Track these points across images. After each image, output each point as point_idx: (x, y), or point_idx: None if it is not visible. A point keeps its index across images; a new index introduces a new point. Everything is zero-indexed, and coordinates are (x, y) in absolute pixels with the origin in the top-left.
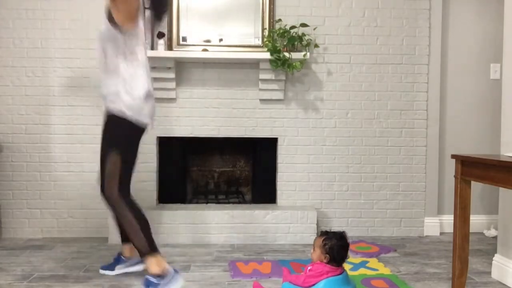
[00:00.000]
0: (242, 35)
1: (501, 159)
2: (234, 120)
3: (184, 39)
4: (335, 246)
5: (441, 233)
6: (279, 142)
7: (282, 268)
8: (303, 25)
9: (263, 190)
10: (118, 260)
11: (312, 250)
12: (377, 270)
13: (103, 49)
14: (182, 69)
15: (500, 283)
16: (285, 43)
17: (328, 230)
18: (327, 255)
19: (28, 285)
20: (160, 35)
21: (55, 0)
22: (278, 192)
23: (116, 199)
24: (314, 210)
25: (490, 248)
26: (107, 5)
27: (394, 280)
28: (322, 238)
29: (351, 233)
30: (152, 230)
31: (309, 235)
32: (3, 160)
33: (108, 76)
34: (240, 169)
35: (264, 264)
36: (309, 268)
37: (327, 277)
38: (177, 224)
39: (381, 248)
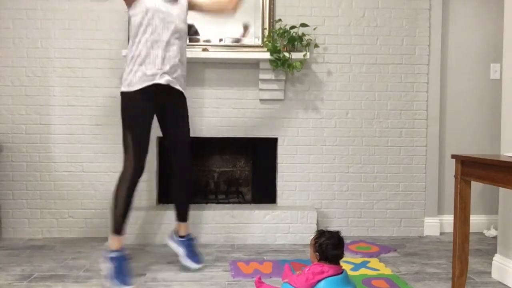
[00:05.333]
0: (242, 35)
1: (501, 159)
2: (234, 120)
3: None
4: (324, 244)
5: (441, 233)
6: (279, 142)
7: (284, 265)
8: (303, 25)
9: (263, 190)
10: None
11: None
12: (378, 270)
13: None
14: None
15: (500, 283)
16: (285, 43)
17: (324, 229)
18: (317, 254)
19: (28, 285)
20: None
21: (55, 0)
22: (278, 192)
23: None
24: (314, 210)
25: (490, 248)
26: None
27: (395, 280)
28: (315, 237)
29: (351, 233)
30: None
31: (309, 235)
32: (3, 160)
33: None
34: (240, 169)
35: (265, 264)
36: (306, 269)
37: (327, 276)
38: None
39: (381, 248)
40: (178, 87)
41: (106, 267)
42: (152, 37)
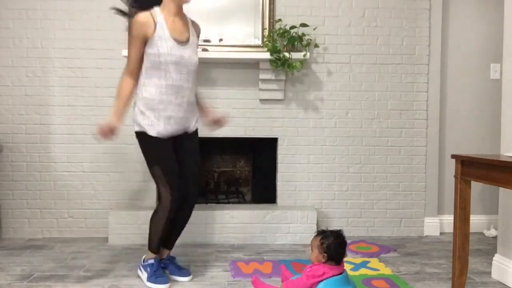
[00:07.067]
0: (242, 35)
1: (501, 159)
2: (234, 120)
3: None
4: (332, 245)
5: (441, 233)
6: (279, 142)
7: (281, 266)
8: (303, 25)
9: (263, 190)
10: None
11: (310, 251)
12: (378, 270)
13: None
14: None
15: (500, 283)
16: (285, 43)
17: (325, 229)
18: (325, 254)
19: (28, 285)
20: None
21: (55, 0)
22: (278, 192)
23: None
24: (314, 210)
25: (490, 248)
26: None
27: (395, 280)
28: (319, 238)
29: (351, 233)
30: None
31: (309, 235)
32: (3, 160)
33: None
34: (240, 169)
35: (265, 264)
36: (308, 270)
37: (328, 277)
38: None
39: (381, 248)
40: (191, 130)
41: (143, 275)
42: (165, 82)
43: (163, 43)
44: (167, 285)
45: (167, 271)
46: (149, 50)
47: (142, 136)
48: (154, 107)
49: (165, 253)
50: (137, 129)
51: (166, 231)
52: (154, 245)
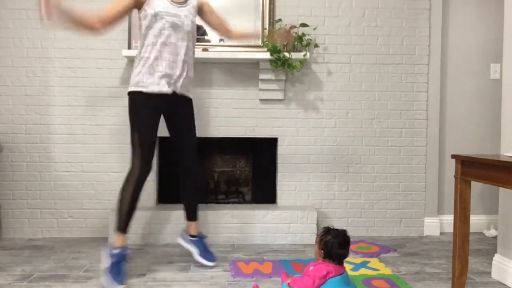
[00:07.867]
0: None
1: (501, 159)
2: (234, 120)
3: None
4: (329, 242)
5: (441, 233)
6: (279, 142)
7: (281, 271)
8: (303, 25)
9: (263, 190)
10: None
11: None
12: (378, 270)
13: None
14: None
15: (500, 283)
16: (285, 43)
17: (331, 227)
18: (322, 251)
19: (28, 285)
20: None
21: None
22: (278, 192)
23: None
24: (314, 210)
25: (490, 248)
26: None
27: (395, 280)
28: (321, 234)
29: (351, 233)
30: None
31: (309, 235)
32: (3, 160)
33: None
34: (240, 169)
35: (265, 264)
36: (311, 268)
37: (331, 277)
38: (177, 224)
39: (381, 248)
40: (185, 93)
41: (105, 262)
42: (161, 40)
43: (159, 3)
44: (123, 286)
45: (193, 251)
46: (145, 11)
47: (133, 97)
48: (149, 65)
49: (193, 227)
50: (130, 88)
51: (133, 205)
52: (122, 223)
